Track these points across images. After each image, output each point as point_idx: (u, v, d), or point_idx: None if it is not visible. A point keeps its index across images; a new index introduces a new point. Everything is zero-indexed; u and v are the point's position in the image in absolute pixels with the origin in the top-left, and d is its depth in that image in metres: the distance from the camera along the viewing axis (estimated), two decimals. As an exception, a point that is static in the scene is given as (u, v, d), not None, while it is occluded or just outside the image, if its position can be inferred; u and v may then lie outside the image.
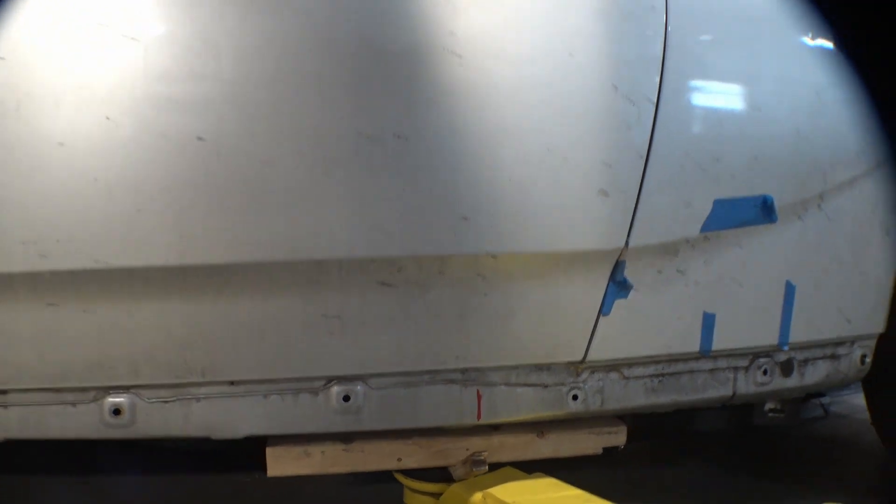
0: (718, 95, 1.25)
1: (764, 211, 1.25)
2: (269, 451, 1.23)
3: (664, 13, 1.20)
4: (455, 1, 1.10)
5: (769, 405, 1.61)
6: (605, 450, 1.36)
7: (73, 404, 1.10)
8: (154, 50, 1.02)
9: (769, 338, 1.32)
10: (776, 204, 1.25)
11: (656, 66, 1.18)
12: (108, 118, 1.01)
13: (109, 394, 1.10)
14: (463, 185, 1.10)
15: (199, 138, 1.02)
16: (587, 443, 1.35)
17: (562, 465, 1.32)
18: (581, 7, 1.16)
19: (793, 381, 1.39)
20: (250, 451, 1.25)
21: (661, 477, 1.63)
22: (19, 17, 0.99)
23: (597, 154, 1.15)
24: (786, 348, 1.33)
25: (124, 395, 1.11)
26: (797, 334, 1.33)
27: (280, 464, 1.24)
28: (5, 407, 1.09)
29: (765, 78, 1.26)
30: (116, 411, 1.11)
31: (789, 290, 1.31)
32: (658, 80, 1.18)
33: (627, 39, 1.18)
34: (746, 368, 1.36)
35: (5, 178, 1.00)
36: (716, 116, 1.24)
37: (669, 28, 1.19)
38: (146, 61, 1.01)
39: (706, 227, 1.22)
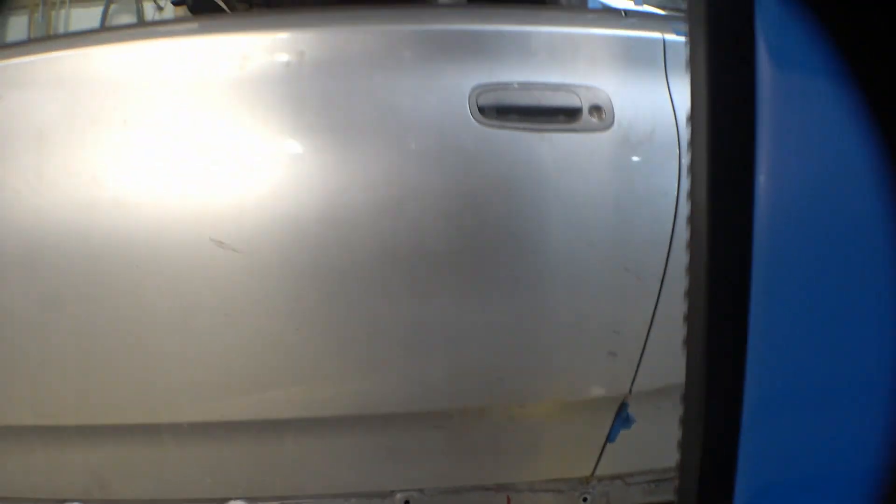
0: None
1: (751, 356, 1.50)
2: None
3: (675, 198, 1.41)
4: (492, 205, 1.35)
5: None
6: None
7: (202, 505, 1.48)
8: (255, 262, 1.31)
9: (751, 448, 1.60)
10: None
11: (664, 246, 1.41)
12: (226, 316, 1.32)
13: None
14: (497, 354, 1.39)
15: (297, 329, 1.33)
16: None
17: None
18: (600, 200, 1.39)
19: (771, 476, 1.68)
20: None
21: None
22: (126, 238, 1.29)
23: (608, 325, 1.41)
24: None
25: (239, 500, 1.47)
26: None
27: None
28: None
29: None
30: (235, 512, 1.48)
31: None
32: (665, 258, 1.41)
33: (640, 225, 1.41)
34: (731, 470, 1.64)
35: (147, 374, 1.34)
36: (713, 282, 1.47)
37: (679, 210, 1.41)
38: (242, 271, 1.31)
39: (699, 373, 1.48)
